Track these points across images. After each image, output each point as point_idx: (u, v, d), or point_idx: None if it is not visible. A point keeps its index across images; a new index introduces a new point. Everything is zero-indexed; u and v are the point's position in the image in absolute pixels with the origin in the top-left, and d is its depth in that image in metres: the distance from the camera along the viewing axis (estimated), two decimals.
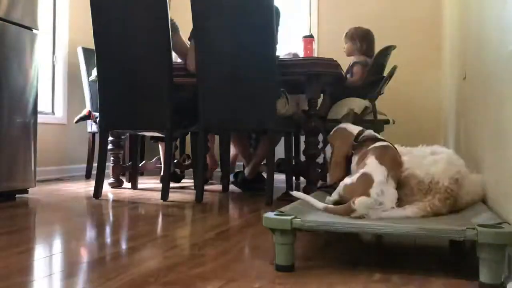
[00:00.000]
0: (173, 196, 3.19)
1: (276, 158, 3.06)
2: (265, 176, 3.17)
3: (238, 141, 3.65)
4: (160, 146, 3.92)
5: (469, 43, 2.49)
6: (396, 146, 1.87)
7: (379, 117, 3.36)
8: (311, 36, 3.67)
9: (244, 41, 2.86)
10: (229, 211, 2.88)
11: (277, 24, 3.06)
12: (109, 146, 3.63)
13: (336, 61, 3.07)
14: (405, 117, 4.42)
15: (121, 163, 3.85)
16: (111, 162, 3.76)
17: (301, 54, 3.60)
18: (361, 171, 1.65)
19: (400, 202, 1.65)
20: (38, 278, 1.43)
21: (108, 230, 2.22)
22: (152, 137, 3.96)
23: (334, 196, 1.74)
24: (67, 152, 4.60)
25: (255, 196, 3.22)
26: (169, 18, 2.96)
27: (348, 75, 3.58)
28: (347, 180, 1.69)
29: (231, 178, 3.59)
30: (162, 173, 3.36)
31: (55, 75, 4.61)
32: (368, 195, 1.57)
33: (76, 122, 4.29)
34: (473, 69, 2.30)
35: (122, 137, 3.82)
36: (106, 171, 3.23)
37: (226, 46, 2.89)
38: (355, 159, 1.86)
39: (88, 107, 4.40)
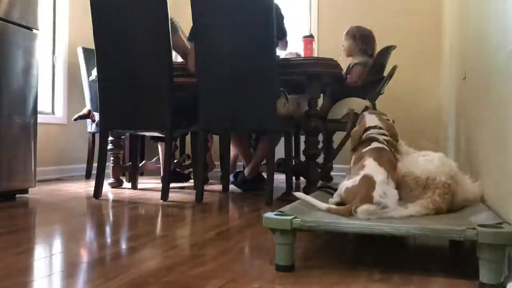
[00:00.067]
0: (173, 196, 3.19)
1: (276, 158, 3.06)
2: (265, 176, 3.17)
3: (238, 141, 3.65)
4: (160, 146, 3.92)
5: (469, 43, 2.49)
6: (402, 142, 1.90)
7: None
8: (311, 36, 3.68)
9: (244, 41, 2.86)
10: (229, 211, 2.88)
11: (281, 19, 3.05)
12: (109, 146, 3.63)
13: (336, 61, 3.07)
14: (405, 117, 4.41)
15: (121, 163, 3.85)
16: (111, 162, 3.76)
17: (301, 54, 3.60)
18: (362, 173, 1.64)
19: (400, 201, 1.66)
20: (38, 278, 1.43)
21: (108, 230, 2.22)
22: (152, 137, 3.96)
23: (336, 198, 1.75)
24: (67, 152, 4.61)
25: (255, 196, 3.22)
26: (169, 18, 2.96)
27: (348, 76, 3.58)
28: (348, 183, 1.68)
29: (231, 178, 3.59)
30: (162, 173, 3.36)
31: (55, 75, 4.61)
32: (371, 197, 1.56)
33: (75, 120, 4.29)
34: (473, 69, 2.30)
35: (122, 137, 3.82)
36: (106, 171, 3.23)
37: (226, 46, 2.89)
38: (352, 156, 1.87)
39: (88, 107, 4.40)
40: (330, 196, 1.84)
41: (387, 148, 1.81)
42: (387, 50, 3.57)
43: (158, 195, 3.08)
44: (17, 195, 3.05)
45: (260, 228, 2.01)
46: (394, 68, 3.43)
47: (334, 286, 1.32)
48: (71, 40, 4.65)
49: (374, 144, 1.82)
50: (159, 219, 2.49)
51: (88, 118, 4.26)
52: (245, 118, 2.93)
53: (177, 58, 3.33)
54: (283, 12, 3.25)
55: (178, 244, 1.92)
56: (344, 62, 3.56)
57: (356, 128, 1.97)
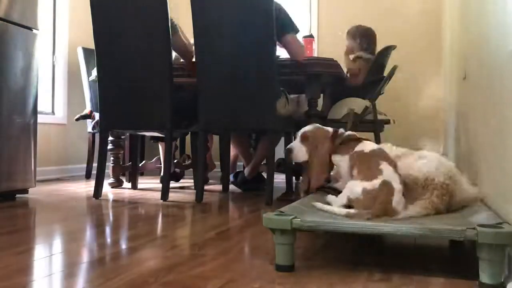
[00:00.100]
0: (173, 196, 3.19)
1: (276, 158, 3.06)
2: (265, 176, 3.17)
3: (238, 141, 3.65)
4: (160, 146, 3.92)
5: (469, 43, 2.49)
6: (393, 146, 1.89)
7: (379, 117, 3.36)
8: (311, 36, 3.68)
9: (244, 41, 2.86)
10: (229, 211, 2.88)
11: (284, 16, 3.04)
12: (109, 146, 3.63)
13: (336, 61, 3.07)
14: (405, 117, 4.42)
15: (121, 163, 3.85)
16: (111, 162, 3.76)
17: None
18: (381, 178, 1.62)
19: None
20: (38, 278, 1.43)
21: (108, 230, 2.22)
22: (152, 137, 3.96)
23: (342, 199, 1.69)
24: (67, 152, 4.61)
25: (255, 196, 3.22)
26: (169, 18, 2.96)
27: (348, 75, 3.58)
28: (367, 185, 1.63)
29: (231, 178, 3.59)
30: (162, 173, 3.36)
31: (55, 75, 4.61)
32: (390, 203, 1.57)
33: (77, 120, 4.29)
34: (473, 69, 2.30)
35: (122, 137, 3.82)
36: (106, 171, 3.23)
37: (226, 46, 2.89)
38: (342, 160, 1.83)
39: (88, 107, 4.40)
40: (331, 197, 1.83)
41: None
42: (387, 50, 3.57)
43: (158, 195, 3.08)
44: (17, 195, 3.05)
45: (260, 228, 2.01)
46: (394, 68, 3.43)
47: (334, 286, 1.32)
48: (71, 40, 4.65)
49: (369, 144, 1.81)
50: (159, 219, 2.49)
51: (90, 118, 4.26)
52: (245, 118, 2.93)
53: (179, 58, 3.33)
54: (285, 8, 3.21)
55: (178, 244, 1.92)
56: (344, 61, 3.57)
57: (321, 143, 1.91)
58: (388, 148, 1.89)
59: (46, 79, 4.47)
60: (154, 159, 4.08)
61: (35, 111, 3.15)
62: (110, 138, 3.63)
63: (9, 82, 2.93)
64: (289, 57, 3.10)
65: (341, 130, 1.95)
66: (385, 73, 3.53)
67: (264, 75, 2.85)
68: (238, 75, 2.88)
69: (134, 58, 3.00)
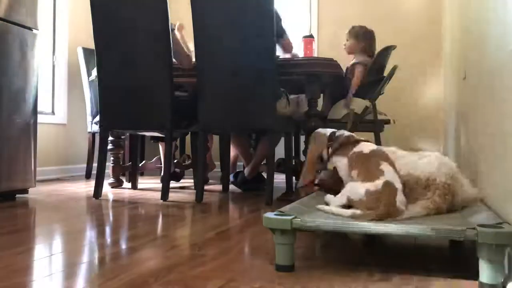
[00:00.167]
0: (173, 196, 3.19)
1: (276, 158, 3.06)
2: (265, 176, 3.17)
3: (238, 141, 3.65)
4: (161, 146, 3.92)
5: (469, 43, 2.49)
6: (393, 148, 1.88)
7: (379, 117, 3.36)
8: (311, 36, 3.68)
9: (244, 41, 2.86)
10: (229, 211, 2.88)
11: (279, 20, 3.06)
12: (109, 146, 3.63)
13: (336, 61, 3.07)
14: (405, 117, 4.42)
15: (121, 163, 3.85)
16: (111, 162, 3.76)
17: (301, 54, 3.60)
18: (383, 178, 1.61)
19: None
20: (38, 278, 1.43)
21: (108, 230, 2.22)
22: (152, 137, 3.96)
23: (341, 200, 1.68)
24: (67, 152, 4.61)
25: (255, 196, 3.22)
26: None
27: (348, 76, 3.58)
28: (369, 186, 1.62)
29: (231, 178, 3.59)
30: (162, 173, 3.36)
31: (55, 75, 4.61)
32: (394, 203, 1.56)
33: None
34: (473, 69, 2.30)
35: (122, 137, 3.82)
36: (106, 171, 3.23)
37: (226, 46, 2.89)
38: (341, 161, 1.83)
39: (88, 107, 4.40)
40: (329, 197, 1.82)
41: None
42: (387, 50, 3.57)
43: (158, 195, 3.08)
44: (17, 195, 3.05)
45: (260, 228, 2.01)
46: (394, 68, 3.42)
47: (334, 286, 1.32)
48: (71, 40, 4.65)
49: (368, 144, 1.81)
50: (159, 219, 2.49)
51: None
52: (245, 118, 2.93)
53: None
54: (280, 13, 3.26)
55: (178, 244, 1.92)
56: (344, 61, 3.56)
57: (312, 147, 1.97)
58: (391, 151, 1.88)
59: (46, 79, 4.47)
60: (154, 159, 4.08)
61: (35, 111, 3.15)
62: (110, 138, 3.64)
63: (9, 82, 2.93)
64: (288, 57, 3.10)
65: (340, 132, 1.95)
66: (385, 73, 3.53)
67: (264, 75, 2.85)
68: (238, 75, 2.88)
69: (134, 58, 3.01)
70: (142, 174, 4.50)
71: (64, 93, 4.63)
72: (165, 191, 3.00)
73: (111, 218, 2.52)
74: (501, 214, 1.53)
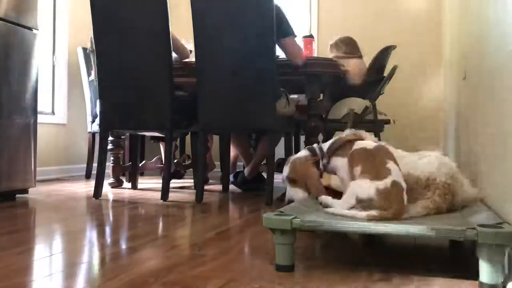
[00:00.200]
0: (173, 196, 3.19)
1: (276, 158, 3.06)
2: (265, 176, 3.17)
3: (238, 141, 3.65)
4: (161, 146, 3.92)
5: (469, 43, 2.49)
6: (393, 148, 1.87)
7: (379, 117, 3.36)
8: (311, 36, 3.68)
9: (244, 41, 2.86)
10: (229, 211, 2.88)
11: (283, 20, 3.03)
12: (109, 146, 3.63)
13: (336, 61, 3.07)
14: (405, 117, 4.42)
15: (121, 163, 3.85)
16: (111, 162, 3.76)
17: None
18: (391, 178, 1.58)
19: None
20: (38, 278, 1.43)
21: (108, 230, 2.22)
22: (152, 137, 3.96)
23: (350, 200, 1.63)
24: (67, 152, 4.61)
25: (255, 196, 3.22)
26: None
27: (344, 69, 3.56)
28: (379, 184, 1.58)
29: (231, 178, 3.59)
30: (163, 173, 3.36)
31: (55, 75, 4.61)
32: (403, 202, 1.57)
33: None
34: (473, 69, 2.30)
35: (122, 137, 3.82)
36: (106, 171, 3.23)
37: (226, 46, 2.89)
38: (342, 162, 1.76)
39: (88, 107, 4.40)
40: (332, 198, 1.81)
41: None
42: (387, 50, 3.58)
43: (158, 195, 3.08)
44: (17, 195, 3.05)
45: (260, 228, 2.01)
46: (394, 68, 3.43)
47: (334, 286, 1.32)
48: (71, 40, 4.65)
49: (367, 142, 1.77)
50: (159, 219, 2.49)
51: None
52: (245, 118, 2.93)
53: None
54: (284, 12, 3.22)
55: (178, 244, 1.92)
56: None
57: (306, 175, 1.85)
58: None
59: (46, 79, 4.47)
60: (154, 159, 4.08)
61: (35, 111, 3.15)
62: (110, 138, 3.64)
63: (9, 82, 2.93)
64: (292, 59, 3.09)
65: (336, 139, 1.85)
66: (385, 73, 3.53)
67: (264, 75, 2.85)
68: (238, 75, 2.88)
69: (134, 58, 3.00)
70: (142, 174, 4.50)
71: (64, 93, 4.63)
72: (165, 191, 3.00)
73: (111, 218, 2.52)
74: (501, 214, 1.53)
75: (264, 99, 2.87)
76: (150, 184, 3.93)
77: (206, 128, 3.02)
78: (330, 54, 3.65)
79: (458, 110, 3.01)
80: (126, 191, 3.55)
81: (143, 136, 4.10)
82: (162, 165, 3.78)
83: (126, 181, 3.90)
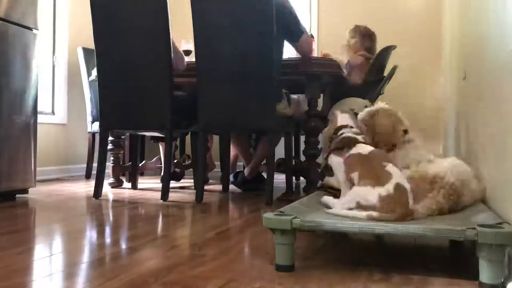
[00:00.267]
0: (173, 196, 3.19)
1: (276, 158, 3.06)
2: (265, 176, 3.17)
3: (238, 141, 3.65)
4: (161, 146, 3.92)
5: (469, 43, 2.49)
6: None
7: None
8: (311, 36, 3.67)
9: (244, 41, 2.86)
10: (229, 211, 2.88)
11: (290, 20, 3.03)
12: (109, 146, 3.63)
13: (336, 61, 3.07)
14: (405, 117, 4.41)
15: (121, 163, 3.85)
16: (111, 162, 3.76)
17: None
18: (393, 181, 1.57)
19: None
20: (38, 278, 1.43)
21: (108, 230, 2.22)
22: (152, 137, 3.96)
23: (350, 203, 1.61)
24: (67, 152, 4.61)
25: (255, 196, 3.22)
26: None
27: (345, 70, 3.56)
28: (381, 191, 1.56)
29: (231, 178, 3.59)
30: (162, 173, 3.36)
31: (55, 75, 4.61)
32: (407, 205, 1.54)
33: None
34: (473, 69, 2.30)
35: (122, 137, 3.82)
36: (106, 171, 3.23)
37: (226, 46, 2.89)
38: (338, 162, 1.77)
39: (88, 107, 4.41)
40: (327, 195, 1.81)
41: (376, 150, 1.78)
42: (387, 50, 3.58)
43: (158, 195, 3.08)
44: (17, 195, 3.05)
45: (260, 228, 2.01)
46: (394, 68, 3.43)
47: (334, 286, 1.32)
48: (71, 40, 4.65)
49: (366, 146, 1.77)
50: (159, 219, 2.49)
51: None
52: (245, 118, 2.93)
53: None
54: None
55: (178, 244, 1.92)
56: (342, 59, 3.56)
57: (327, 128, 1.94)
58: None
59: (46, 79, 4.48)
60: (154, 159, 4.08)
61: (35, 111, 3.15)
62: (110, 138, 3.64)
63: (9, 82, 2.93)
64: (291, 56, 3.10)
65: (343, 131, 1.87)
66: (385, 73, 3.53)
67: (264, 75, 2.85)
68: (238, 75, 2.88)
69: (134, 58, 3.01)
70: (142, 174, 4.50)
71: (64, 93, 4.63)
72: (165, 191, 3.00)
73: (111, 218, 2.52)
74: (501, 214, 1.53)
75: (264, 99, 2.86)
76: (150, 184, 3.93)
77: (206, 128, 3.02)
78: (346, 35, 3.63)
79: (458, 110, 3.01)
80: (126, 191, 3.55)
81: (143, 136, 4.10)
82: (162, 165, 3.78)
83: (126, 181, 3.90)
